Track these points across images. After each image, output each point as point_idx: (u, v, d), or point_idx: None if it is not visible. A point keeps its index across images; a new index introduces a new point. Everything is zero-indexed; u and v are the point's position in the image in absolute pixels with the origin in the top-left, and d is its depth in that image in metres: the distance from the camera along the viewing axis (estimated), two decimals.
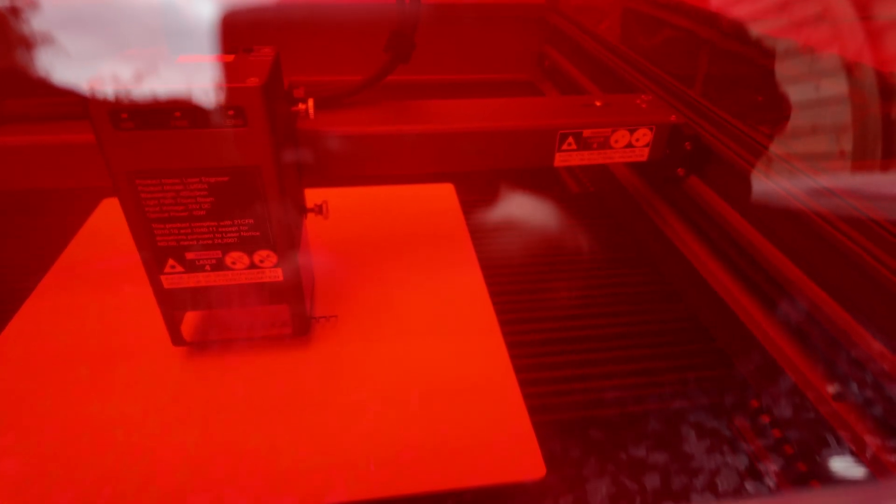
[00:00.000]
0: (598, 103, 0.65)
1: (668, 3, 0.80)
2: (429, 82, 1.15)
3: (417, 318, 0.60)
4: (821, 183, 0.51)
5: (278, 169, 0.43)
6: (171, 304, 0.48)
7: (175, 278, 0.46)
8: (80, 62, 0.40)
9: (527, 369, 0.55)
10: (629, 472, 0.49)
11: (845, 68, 0.52)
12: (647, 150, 0.64)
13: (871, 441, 0.45)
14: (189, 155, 0.41)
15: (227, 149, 0.41)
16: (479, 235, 0.76)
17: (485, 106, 0.65)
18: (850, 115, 0.52)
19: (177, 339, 0.51)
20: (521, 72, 1.22)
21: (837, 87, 0.54)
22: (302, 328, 0.53)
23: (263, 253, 0.46)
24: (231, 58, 0.43)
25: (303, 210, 0.54)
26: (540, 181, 0.91)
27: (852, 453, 0.45)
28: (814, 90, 0.56)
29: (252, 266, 0.47)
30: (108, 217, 0.76)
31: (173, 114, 0.39)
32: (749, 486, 0.49)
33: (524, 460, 0.46)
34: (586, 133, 0.62)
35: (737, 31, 0.67)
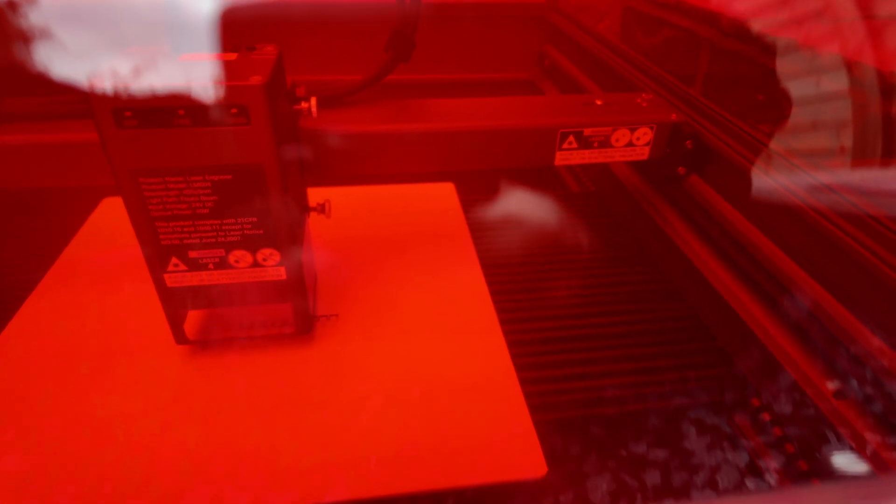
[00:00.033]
0: (598, 102, 0.66)
1: (668, 2, 0.80)
2: (429, 81, 1.15)
3: (418, 317, 0.60)
4: (821, 180, 0.51)
5: (281, 167, 0.43)
6: (175, 303, 0.48)
7: (178, 277, 0.46)
8: (80, 59, 0.40)
9: (527, 368, 0.55)
10: (630, 469, 0.49)
11: (845, 67, 0.52)
12: (647, 149, 0.64)
13: (872, 438, 0.45)
14: (192, 153, 0.41)
15: (230, 147, 0.41)
16: (480, 234, 0.76)
17: (486, 105, 0.65)
18: (851, 114, 0.52)
19: (180, 337, 0.51)
20: (521, 71, 1.22)
21: (838, 85, 0.54)
22: (304, 327, 0.53)
23: (266, 251, 0.46)
24: (234, 56, 0.43)
25: (305, 209, 0.54)
26: (540, 180, 0.92)
27: (853, 450, 0.45)
28: (814, 89, 0.57)
29: (255, 264, 0.47)
30: (109, 216, 0.76)
31: (177, 112, 0.39)
32: (749, 483, 0.49)
33: (525, 459, 0.46)
34: (587, 132, 0.62)
35: (737, 30, 0.67)
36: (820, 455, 0.48)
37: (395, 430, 0.47)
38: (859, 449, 0.45)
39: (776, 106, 0.61)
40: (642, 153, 0.65)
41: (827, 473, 0.48)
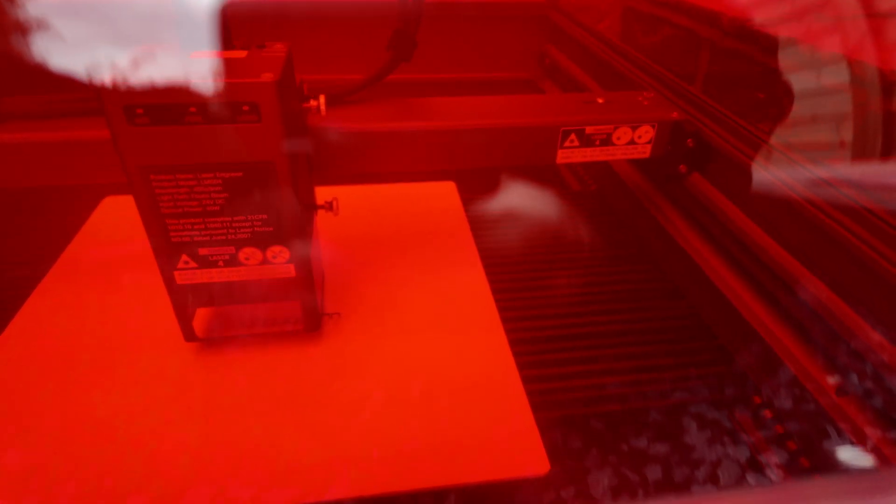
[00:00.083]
0: (600, 100, 0.66)
1: (669, 1, 0.81)
2: (429, 81, 1.15)
3: (420, 316, 0.60)
4: (823, 178, 0.51)
5: (292, 164, 0.43)
6: (184, 300, 0.48)
7: (188, 274, 0.46)
8: (87, 56, 0.40)
9: (529, 366, 0.56)
10: (631, 464, 0.49)
11: (846, 65, 0.53)
12: (649, 147, 0.65)
13: (872, 433, 0.45)
14: (203, 150, 0.41)
15: (241, 144, 0.41)
16: (481, 233, 0.76)
17: (488, 103, 0.66)
18: (850, 110, 0.53)
19: (189, 334, 0.51)
20: (521, 70, 1.23)
21: (837, 82, 0.54)
22: (313, 324, 0.54)
23: (276, 248, 0.46)
24: (244, 54, 0.43)
25: (313, 206, 0.55)
26: (541, 179, 0.92)
27: (854, 445, 0.46)
28: (814, 87, 0.57)
29: (265, 262, 0.47)
30: (110, 215, 0.76)
31: (188, 109, 0.39)
32: (751, 478, 0.50)
33: (527, 456, 0.46)
34: (589, 130, 0.62)
35: (737, 29, 0.68)
36: (821, 450, 0.49)
37: (397, 427, 0.48)
38: (860, 444, 0.46)
39: (776, 104, 0.61)
40: (644, 151, 0.65)
41: (828, 468, 0.48)
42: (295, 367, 0.53)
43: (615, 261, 0.74)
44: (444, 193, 0.83)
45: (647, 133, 0.64)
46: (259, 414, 0.48)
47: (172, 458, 0.45)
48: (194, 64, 0.41)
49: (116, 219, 0.75)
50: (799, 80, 0.58)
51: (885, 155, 0.51)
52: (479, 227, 0.77)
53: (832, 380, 0.49)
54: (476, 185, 0.85)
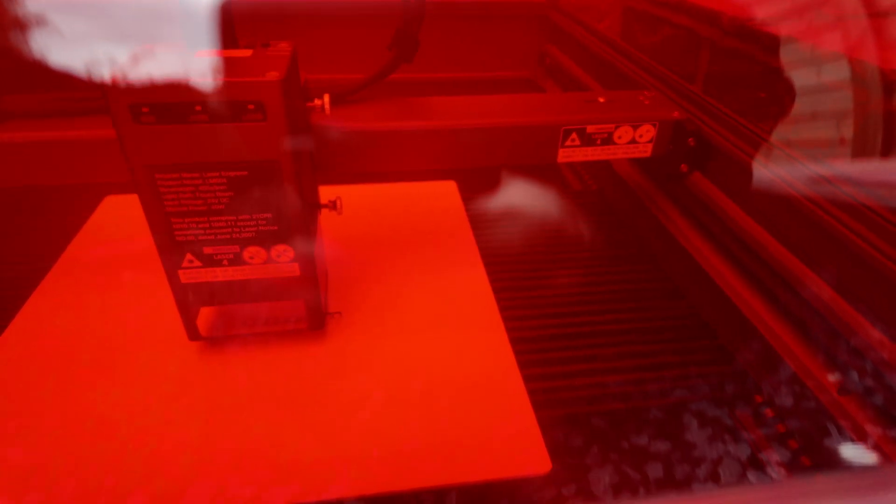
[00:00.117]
0: (601, 99, 0.66)
1: (669, 1, 0.81)
2: (430, 80, 1.15)
3: (422, 315, 0.60)
4: (824, 176, 0.51)
5: (296, 163, 0.43)
6: (188, 299, 0.48)
7: (193, 273, 0.46)
8: (89, 54, 0.40)
9: (530, 364, 0.56)
10: (632, 462, 0.49)
11: (846, 64, 0.53)
12: (650, 146, 0.65)
13: (873, 430, 0.46)
14: (209, 149, 0.41)
15: (246, 143, 0.41)
16: (482, 232, 0.76)
17: (489, 102, 0.66)
18: (850, 109, 0.53)
19: (193, 333, 0.51)
20: (522, 70, 1.23)
21: (838, 83, 0.55)
22: (317, 323, 0.54)
23: (281, 247, 0.46)
24: (249, 53, 0.43)
25: (317, 205, 0.55)
26: (542, 178, 0.92)
27: (854, 443, 0.46)
28: (814, 86, 0.58)
29: (269, 260, 0.47)
30: (111, 214, 0.76)
31: (194, 108, 0.39)
32: (752, 476, 0.50)
33: (529, 455, 0.46)
34: (590, 129, 0.62)
35: (737, 28, 0.68)
36: (822, 448, 0.49)
37: (399, 426, 0.48)
38: (860, 441, 0.46)
39: (777, 103, 0.61)
40: (645, 150, 0.65)
41: (829, 466, 0.48)
42: (297, 365, 0.53)
43: (616, 260, 0.74)
44: (446, 193, 0.83)
45: (648, 132, 0.64)
46: (261, 412, 0.49)
47: (174, 456, 0.45)
48: (200, 63, 0.41)
49: (117, 218, 0.75)
50: (799, 78, 0.59)
51: (885, 153, 0.51)
52: (481, 226, 0.77)
53: (833, 377, 0.49)
54: (477, 184, 0.85)
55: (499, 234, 0.78)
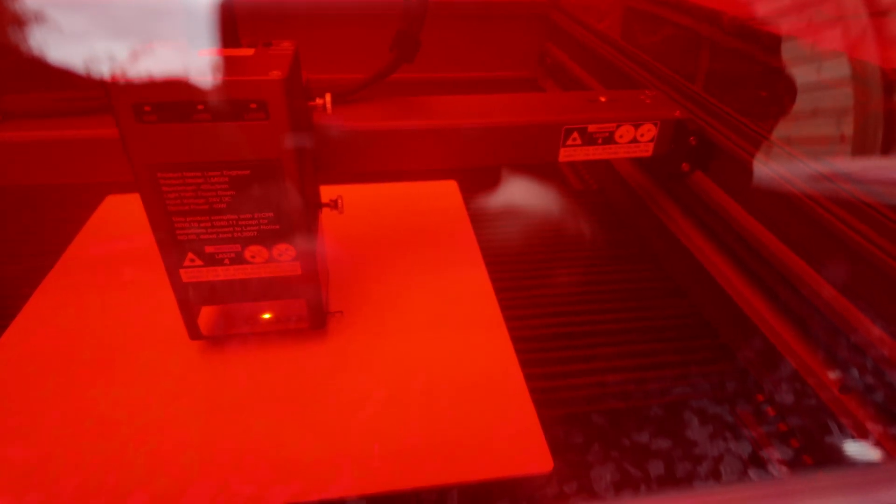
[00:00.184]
0: (602, 99, 0.66)
1: (669, 0, 0.81)
2: (431, 80, 1.15)
3: (423, 314, 0.60)
4: (825, 174, 0.51)
5: (298, 162, 0.43)
6: (189, 298, 0.48)
7: (194, 272, 0.46)
8: (94, 53, 0.40)
9: (532, 363, 0.56)
10: (633, 460, 0.49)
11: (846, 62, 0.54)
12: (651, 146, 0.65)
13: (874, 428, 0.46)
14: (211, 148, 0.41)
15: (248, 142, 0.41)
16: (483, 232, 0.76)
17: (490, 102, 0.66)
18: (851, 108, 0.53)
19: (194, 332, 0.51)
20: (523, 69, 1.23)
21: (838, 81, 0.55)
22: (318, 322, 0.54)
23: (282, 246, 0.46)
24: (251, 52, 0.43)
25: (318, 204, 0.55)
26: (542, 178, 0.92)
27: (855, 440, 0.46)
28: (815, 84, 0.58)
29: (271, 259, 0.47)
30: (112, 214, 0.76)
31: (196, 107, 0.39)
32: (753, 474, 0.50)
33: (531, 454, 0.46)
34: (591, 128, 0.62)
35: (737, 28, 0.68)
36: (823, 445, 0.49)
37: (400, 425, 0.48)
38: (862, 439, 0.46)
39: (777, 101, 0.62)
40: (646, 150, 0.65)
41: (830, 463, 0.48)
42: (298, 364, 0.53)
43: (617, 259, 0.74)
44: (447, 192, 0.83)
45: (649, 131, 0.64)
46: (262, 411, 0.49)
47: (175, 454, 0.45)
48: (202, 62, 0.41)
49: (118, 217, 0.75)
50: (800, 77, 0.59)
51: (886, 150, 0.51)
52: (482, 225, 0.78)
53: (834, 375, 0.50)
54: (478, 183, 0.85)
55: (499, 233, 0.78)
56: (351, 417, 0.48)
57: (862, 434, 0.46)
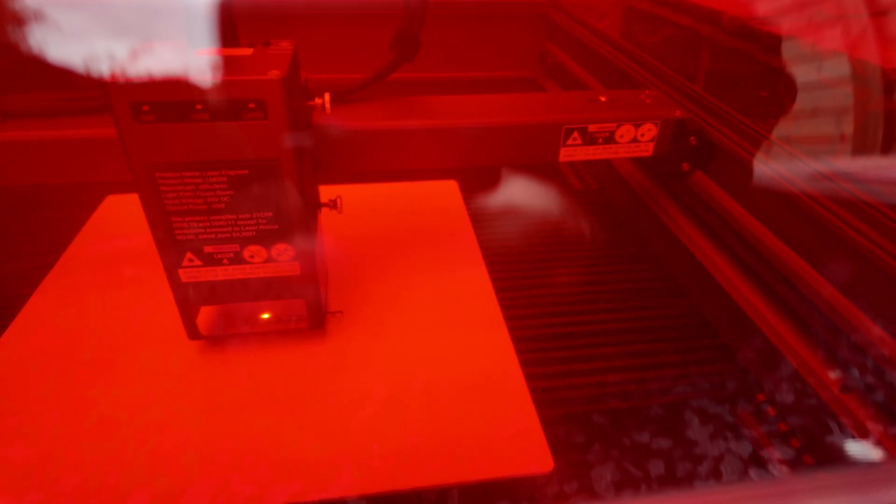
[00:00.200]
0: (602, 98, 0.66)
1: (669, 0, 0.81)
2: (431, 80, 1.15)
3: (424, 314, 0.60)
4: (825, 174, 0.51)
5: (297, 162, 0.43)
6: (188, 298, 0.48)
7: (193, 272, 0.46)
8: (92, 53, 0.40)
9: (532, 363, 0.56)
10: (633, 459, 0.49)
11: (847, 62, 0.53)
12: (652, 145, 0.65)
13: (874, 427, 0.46)
14: (209, 148, 0.41)
15: (247, 142, 0.41)
16: (483, 231, 0.76)
17: (490, 102, 0.66)
18: (851, 107, 0.53)
19: (193, 332, 0.51)
20: (523, 69, 1.23)
21: (838, 80, 0.55)
22: (317, 322, 0.54)
23: (281, 246, 0.46)
24: (250, 51, 0.43)
25: (317, 204, 0.55)
26: (542, 178, 0.92)
27: (856, 440, 0.46)
28: (815, 84, 0.58)
29: (270, 259, 0.47)
30: (112, 213, 0.76)
31: (195, 106, 0.39)
32: (754, 473, 0.50)
33: (531, 454, 0.46)
34: (591, 128, 0.62)
35: (737, 28, 0.68)
36: (823, 445, 0.49)
37: (400, 425, 0.48)
38: (862, 438, 0.46)
39: (777, 101, 0.61)
40: (646, 149, 0.65)
41: (830, 463, 0.48)
42: (298, 364, 0.53)
43: (617, 259, 0.74)
44: (447, 192, 0.83)
45: (650, 131, 0.64)
46: (262, 411, 0.49)
47: (175, 454, 0.45)
48: (200, 61, 0.41)
49: (118, 217, 0.75)
50: (800, 76, 0.59)
51: (886, 150, 0.51)
52: (482, 225, 0.77)
53: (834, 375, 0.49)
54: (478, 183, 0.85)
55: (499, 233, 0.78)
56: (351, 417, 0.48)
57: (862, 434, 0.46)
